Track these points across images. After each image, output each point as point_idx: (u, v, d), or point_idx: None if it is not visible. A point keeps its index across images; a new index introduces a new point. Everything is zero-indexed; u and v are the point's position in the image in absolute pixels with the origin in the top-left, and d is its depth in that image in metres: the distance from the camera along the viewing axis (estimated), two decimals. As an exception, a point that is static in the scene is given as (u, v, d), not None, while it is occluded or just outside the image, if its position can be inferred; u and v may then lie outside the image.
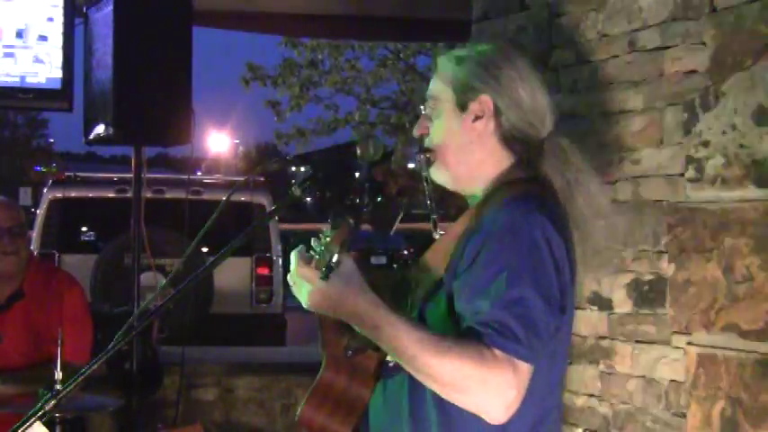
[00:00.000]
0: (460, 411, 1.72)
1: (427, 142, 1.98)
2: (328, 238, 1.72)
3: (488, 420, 1.68)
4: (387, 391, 1.89)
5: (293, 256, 1.77)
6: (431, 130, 1.97)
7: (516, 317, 1.67)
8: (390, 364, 1.87)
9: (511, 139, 1.92)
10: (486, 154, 1.93)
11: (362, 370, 1.89)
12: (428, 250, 1.99)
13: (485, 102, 1.90)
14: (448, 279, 1.81)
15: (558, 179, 1.90)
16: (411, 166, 2.04)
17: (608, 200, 2.07)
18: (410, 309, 1.88)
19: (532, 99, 1.92)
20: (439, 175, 1.98)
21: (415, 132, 2.00)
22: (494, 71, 1.91)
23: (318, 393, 1.92)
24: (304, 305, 1.76)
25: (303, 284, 1.74)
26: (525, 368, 1.66)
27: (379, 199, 1.80)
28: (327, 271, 1.69)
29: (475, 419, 1.72)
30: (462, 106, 1.92)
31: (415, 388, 1.81)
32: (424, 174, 2.00)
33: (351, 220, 1.73)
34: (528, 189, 1.85)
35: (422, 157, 1.97)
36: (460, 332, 1.72)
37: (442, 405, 1.77)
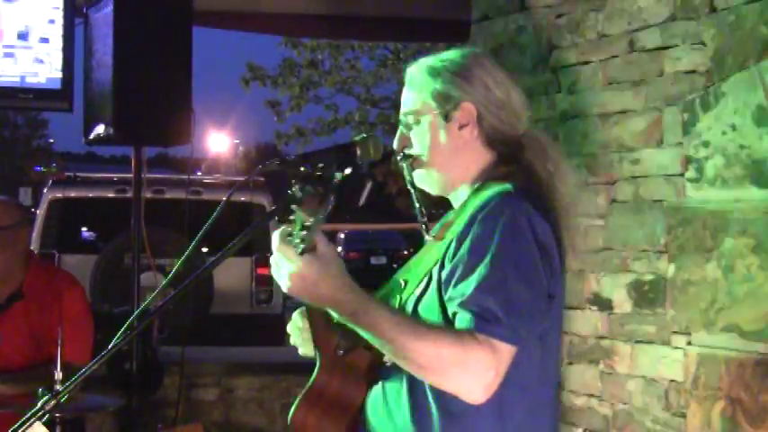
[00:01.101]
0: (459, 405, 1.75)
1: (409, 153, 2.01)
2: (299, 212, 1.70)
3: (468, 401, 1.72)
4: (386, 392, 1.90)
5: (275, 235, 1.75)
6: (414, 142, 2.00)
7: (497, 299, 1.71)
8: (388, 364, 1.88)
9: (494, 140, 1.98)
10: (472, 158, 1.99)
11: (355, 369, 1.90)
12: (417, 254, 2.02)
13: (468, 109, 1.97)
14: (437, 272, 1.86)
15: (540, 170, 1.96)
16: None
17: (579, 189, 2.15)
18: (402, 306, 1.91)
19: (508, 98, 1.98)
20: (427, 181, 2.02)
21: (396, 146, 2.02)
22: (470, 78, 1.98)
23: (312, 395, 1.94)
24: (284, 288, 1.75)
25: (283, 264, 1.73)
26: (506, 349, 1.69)
27: (348, 170, 1.77)
28: (303, 243, 1.68)
29: (474, 412, 1.76)
30: (446, 117, 1.97)
31: (414, 385, 1.83)
32: (408, 179, 2.03)
33: (320, 189, 1.71)
34: (511, 180, 1.90)
35: (406, 163, 2.00)
36: (449, 318, 1.77)
37: (442, 399, 1.80)
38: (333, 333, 1.89)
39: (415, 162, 1.99)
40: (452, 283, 1.78)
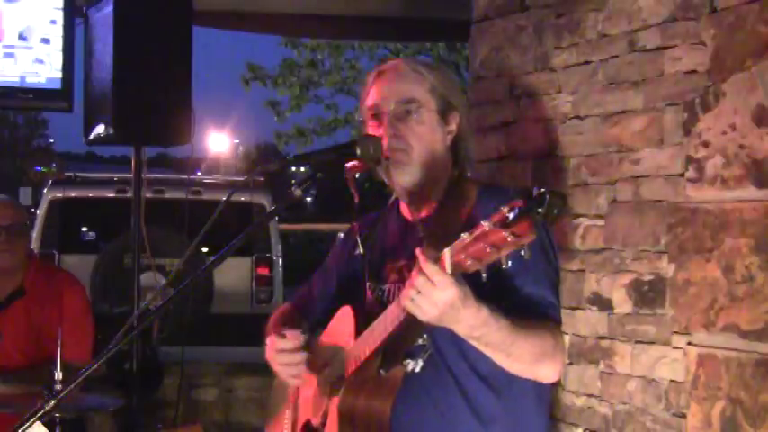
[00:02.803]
0: (512, 389, 1.93)
1: (397, 143, 2.01)
2: (517, 234, 1.54)
3: (547, 382, 1.93)
4: (431, 393, 1.96)
5: (431, 268, 1.67)
6: (404, 133, 2.03)
7: (549, 289, 1.93)
8: (417, 370, 1.95)
9: (457, 150, 2.12)
10: (447, 162, 2.11)
11: (388, 384, 1.93)
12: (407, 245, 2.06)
13: (457, 117, 2.09)
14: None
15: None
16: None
17: None
18: None
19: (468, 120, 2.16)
20: (406, 178, 2.04)
21: (388, 133, 2.02)
22: (459, 92, 2.14)
23: (345, 420, 1.95)
24: (426, 316, 1.71)
25: (434, 293, 1.68)
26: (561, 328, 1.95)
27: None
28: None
29: (522, 394, 1.95)
30: (446, 120, 2.07)
31: (464, 379, 1.95)
32: (389, 172, 2.04)
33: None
34: (504, 187, 2.12)
35: (384, 165, 2.01)
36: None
37: (495, 385, 1.95)
38: (371, 358, 1.92)
39: (397, 154, 2.00)
40: (497, 281, 1.87)
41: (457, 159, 2.11)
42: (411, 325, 1.79)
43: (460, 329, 1.76)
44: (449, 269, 1.65)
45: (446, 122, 2.07)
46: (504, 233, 1.54)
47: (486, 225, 1.58)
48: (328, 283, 2.30)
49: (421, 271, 1.68)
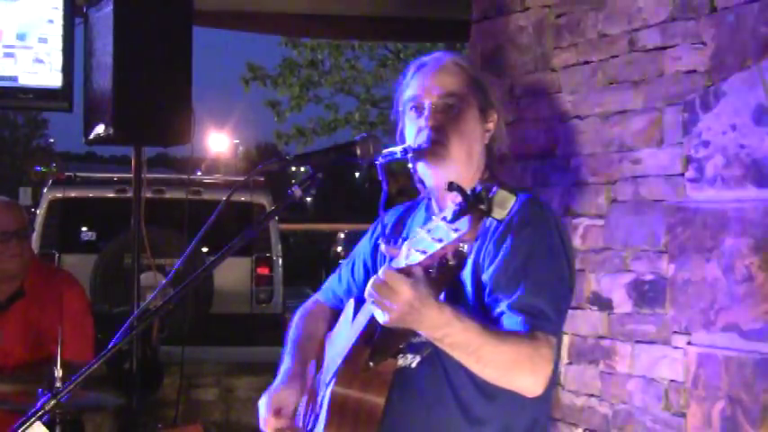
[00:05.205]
0: (499, 390, 1.87)
1: (437, 136, 2.00)
2: (458, 230, 1.58)
3: (527, 395, 1.86)
4: (422, 390, 1.95)
5: (386, 268, 1.71)
6: (443, 126, 2.00)
7: (545, 299, 1.85)
8: (413, 366, 1.95)
9: (489, 151, 2.09)
10: (482, 161, 2.07)
11: (380, 377, 1.93)
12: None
13: (495, 118, 2.07)
14: (470, 275, 1.93)
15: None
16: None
17: None
18: None
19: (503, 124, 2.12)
20: (444, 170, 2.00)
21: (428, 123, 2.00)
22: (496, 93, 2.11)
23: (334, 409, 1.94)
24: (386, 318, 1.72)
25: (391, 295, 1.69)
26: (555, 342, 1.85)
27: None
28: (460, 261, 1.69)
29: (511, 396, 1.87)
30: (485, 116, 2.05)
31: (455, 378, 1.92)
32: (422, 166, 2.03)
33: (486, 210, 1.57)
34: (528, 190, 2.01)
35: (411, 156, 1.99)
36: (492, 318, 1.87)
37: (483, 386, 1.90)
38: (361, 348, 1.91)
39: (435, 147, 1.98)
40: (496, 285, 1.88)
41: (490, 161, 2.08)
42: None
43: (423, 330, 1.75)
44: (403, 262, 1.69)
45: (485, 120, 2.05)
46: (448, 228, 1.58)
47: (435, 219, 1.62)
48: (354, 275, 2.29)
49: (378, 276, 1.71)
